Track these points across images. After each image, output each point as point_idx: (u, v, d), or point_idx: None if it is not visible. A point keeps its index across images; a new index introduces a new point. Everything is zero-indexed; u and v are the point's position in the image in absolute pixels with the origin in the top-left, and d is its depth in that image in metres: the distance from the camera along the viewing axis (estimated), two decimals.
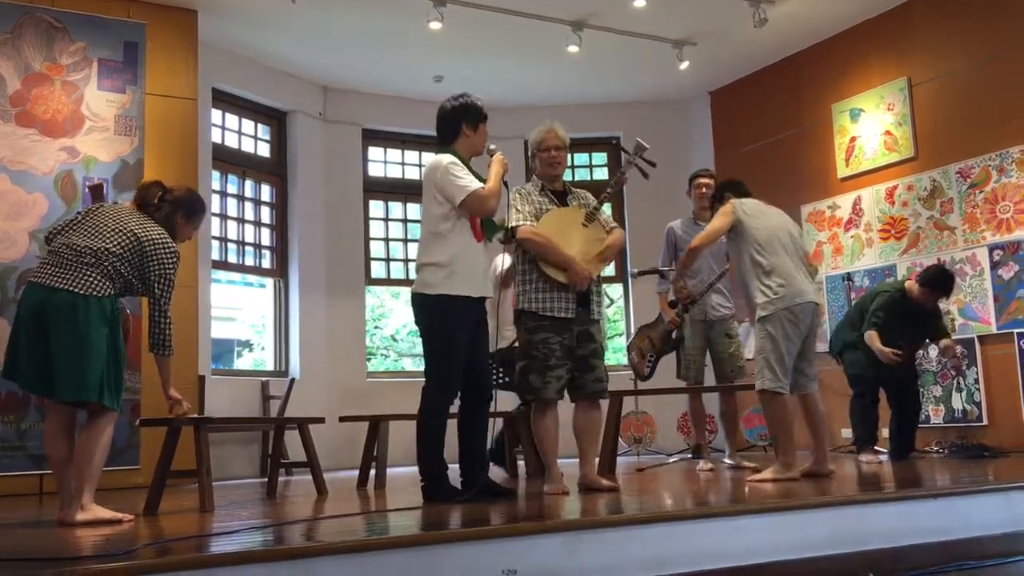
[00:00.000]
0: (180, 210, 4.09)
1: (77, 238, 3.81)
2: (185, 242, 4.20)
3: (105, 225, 3.86)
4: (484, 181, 4.16)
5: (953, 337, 6.34)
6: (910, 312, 5.93)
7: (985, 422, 6.84)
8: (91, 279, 3.70)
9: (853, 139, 8.10)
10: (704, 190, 6.00)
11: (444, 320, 4.09)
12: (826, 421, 4.93)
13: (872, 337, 5.85)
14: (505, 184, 4.25)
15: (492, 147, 4.35)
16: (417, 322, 4.24)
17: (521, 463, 6.16)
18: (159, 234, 3.92)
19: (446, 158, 4.18)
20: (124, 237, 3.83)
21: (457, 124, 4.27)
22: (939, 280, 5.92)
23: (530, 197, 4.46)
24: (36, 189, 6.28)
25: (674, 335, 5.94)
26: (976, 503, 3.71)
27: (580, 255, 4.32)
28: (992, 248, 6.93)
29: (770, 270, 4.67)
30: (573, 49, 8.02)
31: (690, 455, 5.02)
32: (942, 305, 6.20)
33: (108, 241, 3.80)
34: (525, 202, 4.42)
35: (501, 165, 4.22)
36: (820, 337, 5.30)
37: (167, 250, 3.91)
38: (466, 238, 4.14)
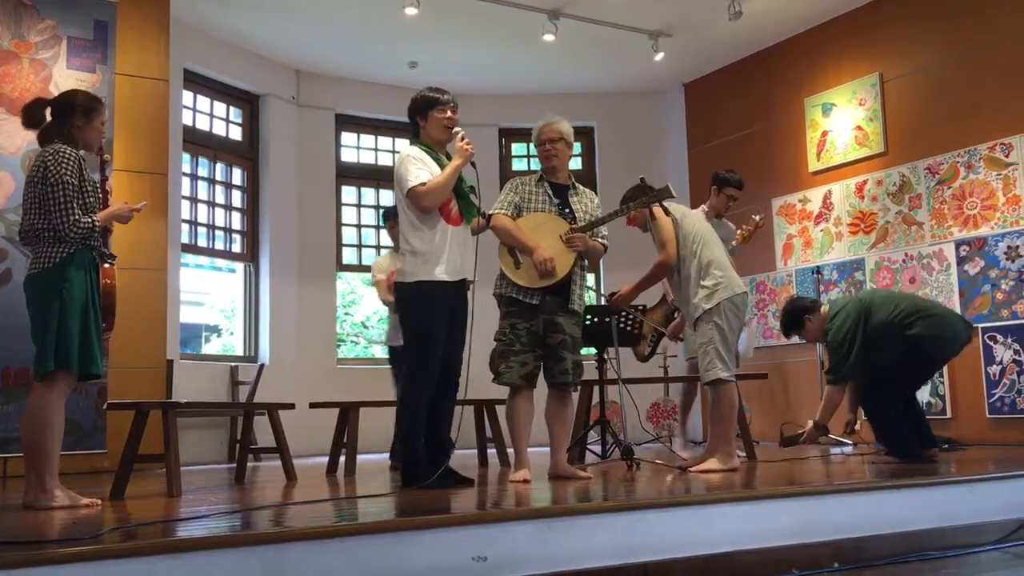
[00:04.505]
0: (74, 115, 3.78)
1: None
2: (125, 210, 3.83)
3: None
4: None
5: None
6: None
7: (949, 415, 6.93)
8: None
9: (824, 133, 8.17)
10: (729, 203, 6.11)
11: (419, 308, 4.13)
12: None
13: None
14: (473, 165, 4.22)
15: (456, 130, 4.28)
16: (398, 311, 4.29)
17: (492, 451, 6.18)
18: (37, 161, 3.68)
19: (409, 150, 4.25)
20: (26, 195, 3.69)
21: (413, 120, 4.38)
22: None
23: (521, 188, 4.52)
24: (3, 168, 6.17)
25: (676, 315, 5.96)
26: (940, 495, 3.78)
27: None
28: (959, 244, 7.02)
29: (708, 263, 4.71)
30: (549, 38, 8.00)
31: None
32: None
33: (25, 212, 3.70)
34: (511, 191, 4.50)
35: (460, 156, 4.18)
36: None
37: (44, 161, 3.64)
38: (440, 224, 4.16)
